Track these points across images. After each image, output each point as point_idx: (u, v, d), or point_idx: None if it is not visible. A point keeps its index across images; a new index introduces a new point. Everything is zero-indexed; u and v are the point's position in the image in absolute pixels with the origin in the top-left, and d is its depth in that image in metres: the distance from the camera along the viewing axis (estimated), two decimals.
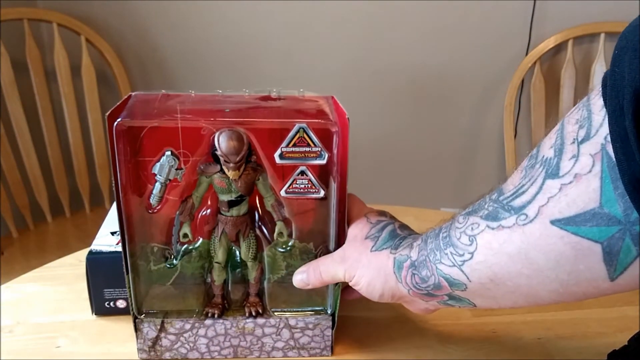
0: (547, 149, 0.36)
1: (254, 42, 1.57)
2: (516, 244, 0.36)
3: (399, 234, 0.49)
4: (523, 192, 0.36)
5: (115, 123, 0.45)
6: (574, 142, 0.34)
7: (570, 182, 0.33)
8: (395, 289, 0.46)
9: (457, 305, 0.44)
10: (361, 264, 0.48)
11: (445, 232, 0.42)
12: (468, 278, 0.40)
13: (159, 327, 0.52)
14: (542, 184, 0.35)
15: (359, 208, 0.53)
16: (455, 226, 0.41)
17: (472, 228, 0.40)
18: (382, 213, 0.52)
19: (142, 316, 0.52)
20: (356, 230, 0.50)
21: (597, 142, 0.32)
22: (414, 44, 1.57)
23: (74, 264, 0.69)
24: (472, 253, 0.39)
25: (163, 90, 0.51)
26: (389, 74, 1.61)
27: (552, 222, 0.34)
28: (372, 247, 0.48)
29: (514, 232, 0.36)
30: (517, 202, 0.37)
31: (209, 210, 0.51)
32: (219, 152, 0.47)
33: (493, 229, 0.38)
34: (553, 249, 0.34)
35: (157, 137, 0.47)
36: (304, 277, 0.51)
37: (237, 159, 0.47)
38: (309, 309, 0.54)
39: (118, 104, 0.47)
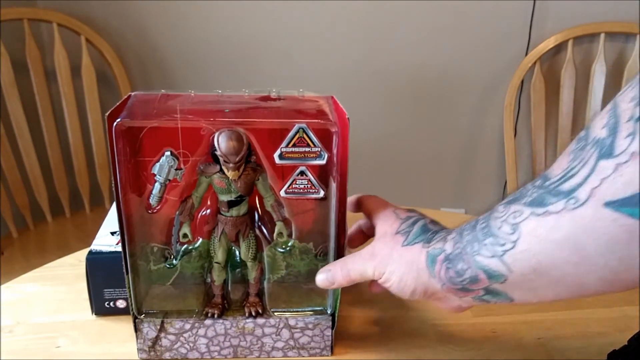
0: (598, 129, 0.34)
1: (253, 42, 1.57)
2: (564, 229, 0.35)
3: (431, 228, 0.47)
4: (573, 175, 0.35)
5: (115, 123, 0.45)
6: (630, 120, 0.32)
7: (627, 162, 0.32)
8: (428, 285, 0.45)
9: (492, 300, 0.42)
10: (392, 259, 0.46)
11: (483, 222, 0.41)
12: (509, 269, 0.38)
13: (158, 327, 0.52)
14: (595, 165, 0.33)
15: (383, 205, 0.52)
16: (494, 216, 0.40)
17: (514, 216, 0.38)
18: (410, 210, 0.51)
19: (142, 316, 0.52)
20: (385, 227, 0.49)
21: None
22: (414, 44, 1.57)
23: (74, 264, 0.69)
24: (514, 242, 0.37)
25: (163, 90, 0.51)
26: (389, 74, 1.61)
27: (606, 205, 0.32)
28: (404, 242, 0.47)
29: (562, 217, 0.35)
30: (566, 186, 0.35)
31: (208, 211, 0.51)
32: (218, 152, 0.47)
33: (539, 215, 0.36)
34: (605, 232, 0.33)
35: (157, 137, 0.47)
36: (329, 275, 0.50)
37: (237, 159, 0.47)
38: (309, 309, 0.53)
39: (118, 104, 0.47)
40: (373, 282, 0.51)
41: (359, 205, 0.56)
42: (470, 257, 0.41)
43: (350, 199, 0.56)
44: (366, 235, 0.56)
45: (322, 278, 0.50)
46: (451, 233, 0.44)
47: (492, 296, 0.42)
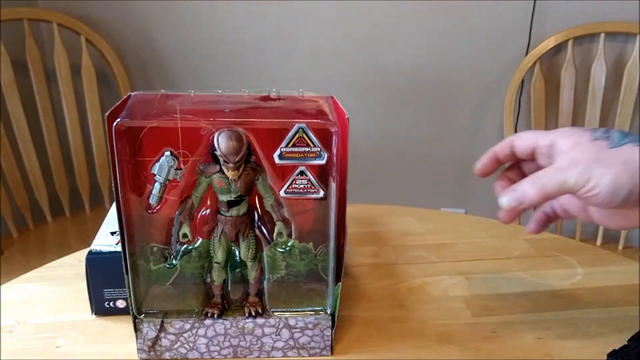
0: None
1: (253, 42, 1.57)
2: None
3: (630, 132, 0.45)
4: None
5: (115, 123, 0.45)
6: None
7: None
8: None
9: None
10: (600, 162, 0.43)
11: None
12: None
13: (158, 327, 0.52)
14: None
15: (548, 131, 0.49)
16: None
17: None
18: None
19: (142, 316, 0.52)
20: (573, 139, 0.46)
21: None
22: (414, 44, 1.57)
23: (74, 264, 0.69)
24: None
25: (163, 90, 0.51)
26: (389, 74, 1.61)
27: None
28: (609, 145, 0.44)
29: None
30: None
31: (208, 210, 0.51)
32: (218, 152, 0.47)
33: None
34: None
35: (157, 137, 0.47)
36: (517, 195, 0.45)
37: (237, 159, 0.47)
38: (309, 308, 0.53)
39: (118, 104, 0.47)
40: (538, 219, 0.49)
41: (510, 148, 0.51)
42: None
43: (484, 159, 0.52)
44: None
45: (509, 199, 0.46)
46: None
47: None
